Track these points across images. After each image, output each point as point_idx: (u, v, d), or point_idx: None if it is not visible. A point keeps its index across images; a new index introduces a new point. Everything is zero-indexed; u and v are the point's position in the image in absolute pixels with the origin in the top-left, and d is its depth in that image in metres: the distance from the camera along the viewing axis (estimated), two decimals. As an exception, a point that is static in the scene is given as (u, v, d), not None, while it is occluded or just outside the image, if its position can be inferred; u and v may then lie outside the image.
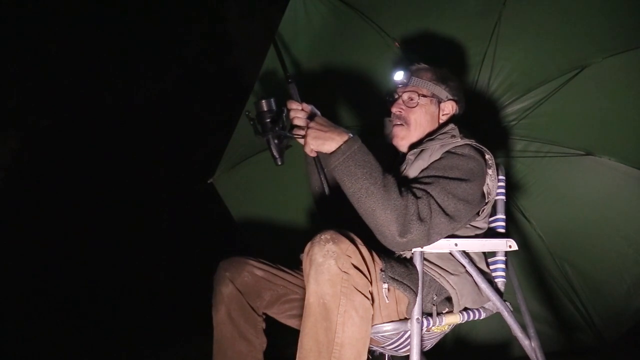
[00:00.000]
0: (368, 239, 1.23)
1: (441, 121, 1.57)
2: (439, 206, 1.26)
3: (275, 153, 1.38)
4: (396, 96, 1.58)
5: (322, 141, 1.29)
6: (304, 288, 1.16)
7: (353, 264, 1.13)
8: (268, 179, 2.43)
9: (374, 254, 1.24)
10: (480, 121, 2.04)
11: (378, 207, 1.20)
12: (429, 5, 1.99)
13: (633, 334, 2.17)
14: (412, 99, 1.54)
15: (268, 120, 1.37)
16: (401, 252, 1.38)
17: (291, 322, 1.55)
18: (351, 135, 1.29)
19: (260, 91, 2.06)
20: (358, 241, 1.18)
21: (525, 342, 1.52)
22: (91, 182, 5.36)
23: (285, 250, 1.53)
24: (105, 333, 4.22)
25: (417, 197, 1.24)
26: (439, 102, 1.56)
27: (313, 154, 1.41)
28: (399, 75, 1.56)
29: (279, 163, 1.38)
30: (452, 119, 1.58)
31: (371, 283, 1.19)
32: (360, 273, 1.14)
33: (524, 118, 2.06)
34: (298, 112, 1.43)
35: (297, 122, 1.42)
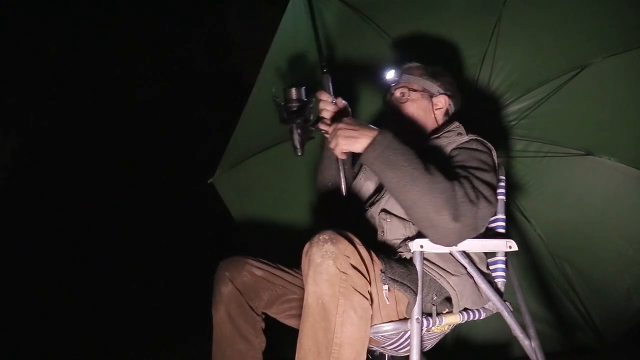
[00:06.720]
0: (367, 240, 1.22)
1: (436, 116, 1.57)
2: (479, 190, 1.23)
3: (296, 143, 1.33)
4: (389, 95, 1.60)
5: (354, 140, 1.25)
6: (303, 288, 1.15)
7: (351, 264, 1.13)
8: (268, 179, 2.43)
9: (373, 254, 1.23)
10: (481, 121, 2.04)
11: (426, 192, 1.16)
12: (428, 5, 1.99)
13: (633, 334, 2.17)
14: (403, 95, 1.56)
15: (295, 109, 1.33)
16: (401, 253, 1.38)
17: (291, 322, 1.54)
18: (381, 130, 1.27)
19: (292, 78, 1.99)
20: (357, 241, 1.17)
21: (525, 342, 1.52)
22: (91, 182, 5.37)
23: (285, 250, 1.52)
24: (105, 332, 4.21)
25: (460, 181, 1.21)
26: (431, 96, 1.57)
27: (343, 157, 1.38)
28: (390, 74, 1.59)
29: (299, 153, 1.34)
30: (453, 116, 1.58)
31: (370, 283, 1.18)
32: (358, 273, 1.14)
33: (524, 118, 2.06)
34: (327, 104, 1.41)
35: (324, 114, 1.40)
